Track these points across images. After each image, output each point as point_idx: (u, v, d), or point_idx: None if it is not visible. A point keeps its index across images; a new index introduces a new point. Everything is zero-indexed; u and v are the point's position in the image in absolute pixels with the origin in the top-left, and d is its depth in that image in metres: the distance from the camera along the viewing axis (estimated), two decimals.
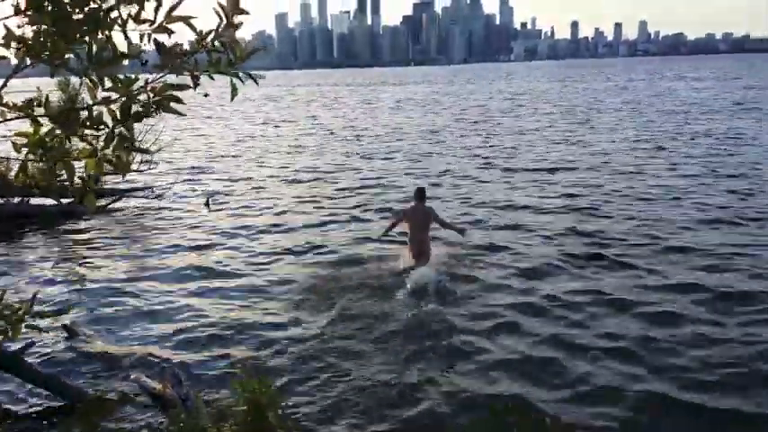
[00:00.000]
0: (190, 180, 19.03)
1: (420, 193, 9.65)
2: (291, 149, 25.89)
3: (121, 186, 15.90)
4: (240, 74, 2.48)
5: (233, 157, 24.26)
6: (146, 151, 2.70)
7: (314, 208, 14.78)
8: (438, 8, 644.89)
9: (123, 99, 2.50)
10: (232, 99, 2.60)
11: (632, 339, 7.21)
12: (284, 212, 14.42)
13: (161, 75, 2.48)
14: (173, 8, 2.41)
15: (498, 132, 29.24)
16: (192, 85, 2.48)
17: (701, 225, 11.95)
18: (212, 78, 2.48)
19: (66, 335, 7.64)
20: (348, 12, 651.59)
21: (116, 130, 2.52)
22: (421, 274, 8.99)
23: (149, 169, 15.97)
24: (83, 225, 13.55)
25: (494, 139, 26.97)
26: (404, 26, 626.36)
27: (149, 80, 2.46)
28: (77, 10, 2.50)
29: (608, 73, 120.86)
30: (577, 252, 10.52)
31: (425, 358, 6.92)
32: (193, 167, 21.43)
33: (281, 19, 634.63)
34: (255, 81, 2.55)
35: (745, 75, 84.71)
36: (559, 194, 15.19)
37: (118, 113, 2.48)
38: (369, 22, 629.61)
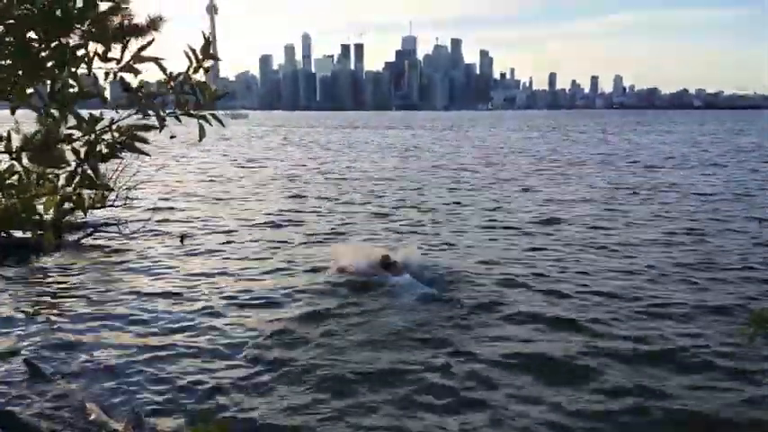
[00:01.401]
0: (163, 218, 18.82)
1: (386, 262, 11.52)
2: (263, 190, 25.81)
3: (94, 221, 15.66)
4: (207, 116, 2.47)
5: (206, 195, 24.10)
6: (108, 188, 2.62)
7: (281, 253, 14.41)
8: (420, 56, 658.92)
9: (88, 137, 2.46)
10: (200, 140, 2.58)
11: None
12: (252, 256, 14.17)
13: (127, 115, 2.45)
14: (141, 48, 2.40)
15: (469, 181, 29.48)
16: (158, 126, 2.46)
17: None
18: (179, 120, 2.45)
19: (27, 370, 7.42)
20: (332, 56, 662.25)
21: (79, 169, 2.47)
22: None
23: (124, 205, 15.78)
24: (52, 259, 13.26)
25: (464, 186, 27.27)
26: (386, 72, 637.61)
27: (115, 119, 2.43)
28: (43, 46, 2.48)
29: (583, 124, 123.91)
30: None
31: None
32: (167, 205, 21.23)
33: (265, 61, 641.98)
34: (221, 123, 2.54)
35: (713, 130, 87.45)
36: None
37: (81, 152, 2.45)
38: (352, 66, 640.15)
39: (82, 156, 2.50)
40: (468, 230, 17.00)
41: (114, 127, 2.49)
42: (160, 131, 2.49)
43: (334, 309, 10.09)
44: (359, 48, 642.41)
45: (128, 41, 2.36)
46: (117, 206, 15.27)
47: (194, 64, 2.42)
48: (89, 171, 2.53)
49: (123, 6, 2.50)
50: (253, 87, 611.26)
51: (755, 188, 25.46)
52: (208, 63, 2.43)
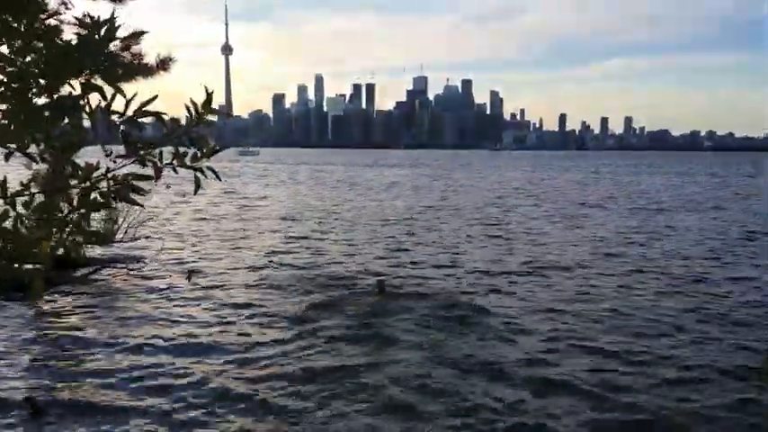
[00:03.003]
0: (170, 254, 18.82)
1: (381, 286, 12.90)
2: (269, 228, 25.84)
3: (100, 257, 15.70)
4: (204, 169, 2.45)
5: (213, 232, 24.13)
6: (99, 238, 2.59)
7: (286, 288, 14.47)
8: (431, 95, 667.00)
9: (83, 186, 2.45)
10: (195, 193, 2.56)
11: None
12: (260, 293, 14.15)
13: (122, 164, 2.44)
14: (145, 104, 2.39)
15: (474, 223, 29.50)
16: (154, 177, 2.44)
17: None
18: (176, 172, 2.44)
19: (28, 409, 7.34)
20: (344, 95, 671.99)
21: (72, 216, 2.45)
22: None
23: (131, 240, 15.84)
24: (57, 295, 13.23)
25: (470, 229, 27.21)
26: (397, 111, 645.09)
27: (110, 168, 2.42)
28: (45, 95, 2.48)
29: (594, 165, 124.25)
30: None
31: None
32: (175, 241, 21.26)
33: (278, 100, 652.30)
34: (218, 177, 2.52)
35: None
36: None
37: (75, 200, 2.43)
38: (363, 105, 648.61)
39: (75, 204, 2.47)
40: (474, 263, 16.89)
41: (110, 176, 2.47)
42: (156, 182, 2.47)
43: (343, 337, 10.59)
44: (370, 88, 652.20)
45: (131, 98, 2.36)
46: (125, 242, 15.34)
47: (194, 117, 2.41)
48: (81, 222, 2.50)
49: (137, 39, 2.52)
50: (265, 125, 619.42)
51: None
52: (210, 118, 2.43)
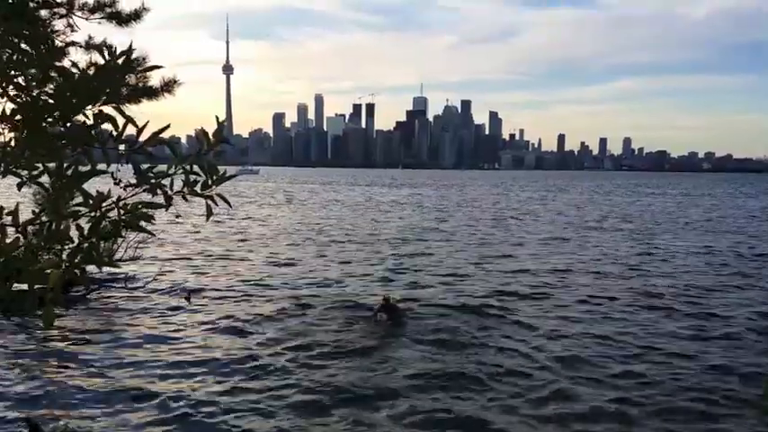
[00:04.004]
0: (169, 274, 18.79)
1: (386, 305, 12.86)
2: (267, 248, 25.78)
3: (100, 275, 15.66)
4: (214, 197, 2.47)
5: (212, 253, 24.07)
6: (109, 264, 2.59)
7: (284, 308, 14.46)
8: (430, 116, 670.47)
9: (93, 214, 2.46)
10: (207, 219, 2.58)
11: None
12: (259, 312, 14.11)
13: (133, 193, 2.46)
14: (157, 132, 2.41)
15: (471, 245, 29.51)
16: (164, 205, 2.45)
17: None
18: (186, 200, 2.46)
19: (28, 429, 7.27)
20: (343, 115, 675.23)
21: (83, 246, 2.46)
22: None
23: (131, 260, 15.78)
24: (58, 313, 13.16)
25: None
26: (396, 131, 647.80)
27: (121, 197, 2.43)
28: (60, 124, 2.51)
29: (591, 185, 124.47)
30: None
31: None
32: (174, 262, 21.23)
33: (278, 119, 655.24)
34: (229, 204, 2.53)
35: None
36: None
37: (86, 229, 2.44)
38: (363, 125, 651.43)
39: (85, 233, 2.48)
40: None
41: (120, 204, 2.48)
42: (166, 210, 2.49)
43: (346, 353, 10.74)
44: (370, 107, 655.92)
45: (144, 126, 2.38)
46: (125, 261, 15.27)
47: (205, 147, 2.43)
48: (92, 250, 2.50)
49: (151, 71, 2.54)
50: (265, 144, 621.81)
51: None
52: (219, 147, 2.45)
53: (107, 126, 2.45)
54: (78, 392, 8.79)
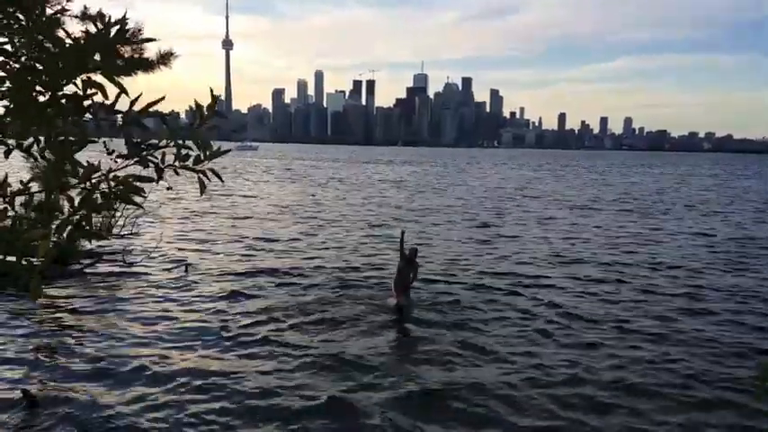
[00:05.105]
0: (168, 246, 18.80)
1: (413, 253, 12.49)
2: (264, 221, 25.87)
3: (98, 249, 15.66)
4: (207, 172, 2.43)
5: (210, 226, 24.11)
6: (100, 236, 2.56)
7: (284, 281, 14.64)
8: (431, 93, 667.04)
9: (83, 186, 2.41)
10: (201, 194, 2.54)
11: None
12: (258, 285, 14.22)
13: (124, 165, 2.41)
14: (151, 104, 2.37)
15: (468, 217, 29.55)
16: (155, 179, 2.41)
17: None
18: (177, 174, 2.41)
19: (24, 401, 7.34)
20: (343, 91, 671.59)
21: (73, 218, 2.42)
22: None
23: (129, 234, 15.79)
24: (54, 288, 13.19)
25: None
26: (397, 108, 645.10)
27: (112, 168, 2.39)
28: (49, 94, 2.45)
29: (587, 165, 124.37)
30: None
31: None
32: (172, 234, 21.25)
33: (277, 95, 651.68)
34: (221, 179, 2.49)
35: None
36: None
37: (76, 201, 2.39)
38: (363, 102, 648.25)
39: (76, 204, 2.44)
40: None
41: (111, 176, 2.44)
42: (157, 183, 2.45)
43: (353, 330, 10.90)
44: (370, 84, 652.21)
45: (137, 98, 2.33)
46: (123, 235, 15.29)
47: (198, 120, 2.39)
48: (83, 222, 2.47)
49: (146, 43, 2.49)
50: (265, 120, 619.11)
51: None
52: (213, 122, 2.41)
53: (100, 98, 2.40)
54: (75, 365, 8.82)
